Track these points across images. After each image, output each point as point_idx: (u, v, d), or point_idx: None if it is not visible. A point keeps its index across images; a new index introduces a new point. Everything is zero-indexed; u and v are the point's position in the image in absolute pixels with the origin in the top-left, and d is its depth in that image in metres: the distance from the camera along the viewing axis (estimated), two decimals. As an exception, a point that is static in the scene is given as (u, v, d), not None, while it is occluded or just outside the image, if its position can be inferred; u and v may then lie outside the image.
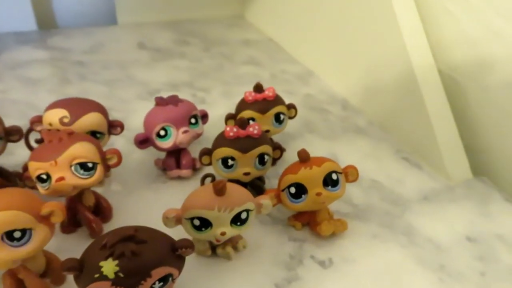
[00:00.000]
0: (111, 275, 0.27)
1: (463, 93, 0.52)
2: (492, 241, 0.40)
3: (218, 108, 0.59)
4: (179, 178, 0.46)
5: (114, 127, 0.43)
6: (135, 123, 0.54)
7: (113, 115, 0.57)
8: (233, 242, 0.37)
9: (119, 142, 0.52)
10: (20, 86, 0.64)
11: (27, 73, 0.68)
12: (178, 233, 0.34)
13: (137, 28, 0.88)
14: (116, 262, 0.27)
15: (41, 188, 0.35)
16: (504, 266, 0.38)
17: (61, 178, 0.34)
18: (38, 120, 0.41)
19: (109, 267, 0.27)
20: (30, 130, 0.43)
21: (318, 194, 0.36)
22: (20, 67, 0.69)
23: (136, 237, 0.28)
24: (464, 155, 0.49)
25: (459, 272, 0.37)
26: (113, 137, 0.49)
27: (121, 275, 0.27)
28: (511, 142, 0.48)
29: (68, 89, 0.64)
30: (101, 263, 0.27)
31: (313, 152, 0.39)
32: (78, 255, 0.29)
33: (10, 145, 0.41)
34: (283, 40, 0.82)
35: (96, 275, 0.27)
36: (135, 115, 0.57)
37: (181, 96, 0.47)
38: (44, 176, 0.34)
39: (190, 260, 0.35)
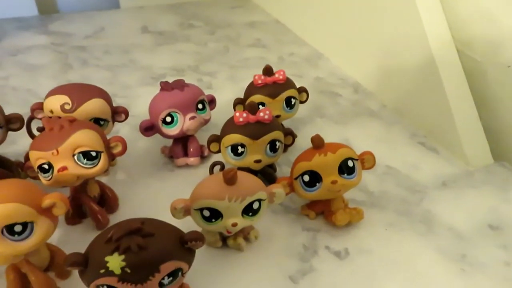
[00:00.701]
0: (117, 271, 0.25)
1: (482, 72, 0.49)
2: (516, 229, 0.38)
3: (225, 93, 0.57)
4: (187, 166, 0.45)
5: (118, 113, 0.41)
6: (139, 109, 0.52)
7: (116, 101, 0.55)
8: (245, 233, 0.36)
9: (124, 130, 0.50)
10: (21, 72, 0.62)
11: (28, 59, 0.66)
12: (187, 224, 0.32)
13: (140, 11, 0.85)
14: (123, 256, 0.25)
15: (43, 178, 0.33)
16: (529, 255, 0.36)
17: (64, 168, 0.32)
18: (39, 107, 0.39)
19: (115, 262, 0.25)
20: (31, 118, 0.41)
21: (334, 182, 0.34)
22: (21, 53, 0.68)
23: (142, 230, 0.26)
24: (484, 138, 0.47)
25: (481, 262, 0.35)
26: (117, 125, 0.47)
27: (128, 270, 0.25)
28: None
29: (69, 75, 0.62)
30: (107, 258, 0.25)
31: (325, 138, 0.37)
32: (83, 248, 0.27)
33: (12, 134, 0.39)
34: (290, 21, 0.79)
35: (102, 271, 0.25)
36: (139, 101, 0.56)
37: (187, 81, 0.45)
38: (46, 166, 0.33)
39: (200, 252, 0.33)
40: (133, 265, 0.25)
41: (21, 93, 0.57)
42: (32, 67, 0.64)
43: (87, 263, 0.26)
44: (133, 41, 0.73)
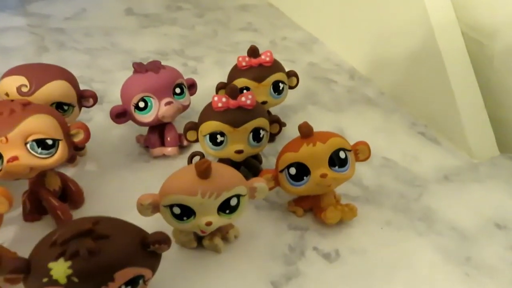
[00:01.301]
0: (63, 280, 0.21)
1: (489, 57, 0.45)
2: (525, 228, 0.35)
3: (211, 78, 0.53)
4: (164, 156, 0.41)
5: (86, 98, 0.37)
6: (116, 95, 0.47)
7: (93, 86, 0.51)
8: (223, 232, 0.32)
9: (98, 116, 0.46)
10: (-7, 55, 0.58)
11: (2, 41, 0.62)
12: (158, 223, 0.29)
13: (125, -8, 0.80)
14: (69, 263, 0.21)
15: (-7, 170, 0.29)
16: (540, 257, 0.32)
17: (14, 158, 0.28)
18: (-6, 90, 0.35)
19: (59, 269, 0.21)
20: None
21: (323, 175, 0.31)
22: (-6, 35, 0.63)
23: (95, 231, 0.22)
24: (490, 129, 0.43)
25: (488, 264, 0.32)
26: (91, 111, 0.43)
27: (75, 279, 0.21)
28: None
29: (45, 57, 0.58)
30: (50, 265, 0.22)
31: (318, 126, 0.33)
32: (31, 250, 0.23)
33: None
34: (284, 4, 0.75)
35: (45, 280, 0.22)
36: (117, 86, 0.50)
37: (171, 65, 0.41)
38: (-5, 156, 0.29)
39: (172, 253, 0.30)
40: (81, 274, 0.22)
41: (-10, 77, 0.52)
42: (6, 49, 0.60)
43: (29, 270, 0.22)
44: (116, 23, 0.69)
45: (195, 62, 0.59)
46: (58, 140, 0.30)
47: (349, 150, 0.32)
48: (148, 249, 0.24)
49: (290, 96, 0.45)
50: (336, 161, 0.31)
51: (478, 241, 0.34)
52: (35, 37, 0.63)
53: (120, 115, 0.38)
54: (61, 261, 0.21)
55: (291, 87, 0.43)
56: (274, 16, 0.74)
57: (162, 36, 0.66)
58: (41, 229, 0.33)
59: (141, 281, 0.24)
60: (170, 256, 0.28)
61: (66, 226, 0.22)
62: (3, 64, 0.55)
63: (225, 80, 0.42)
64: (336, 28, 0.62)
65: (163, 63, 0.41)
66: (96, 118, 0.46)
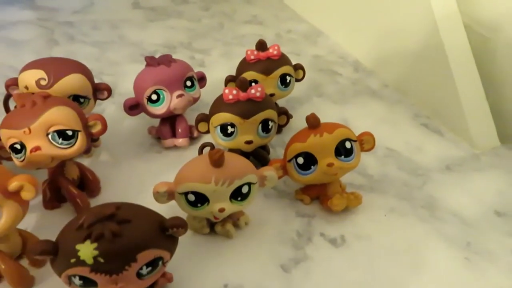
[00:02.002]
0: (90, 260, 0.23)
1: (491, 50, 0.46)
2: (524, 215, 0.36)
3: (218, 70, 0.54)
4: (175, 147, 0.42)
5: (100, 91, 0.38)
6: (127, 87, 0.49)
7: (103, 79, 0.53)
8: (234, 219, 0.33)
9: (109, 109, 0.47)
10: (4, 48, 0.59)
11: (12, 35, 0.63)
12: (172, 209, 0.30)
13: (131, -14, 0.81)
14: (95, 245, 0.23)
15: (16, 159, 0.31)
16: (537, 243, 0.34)
17: (37, 148, 0.30)
18: (13, 83, 0.37)
19: (86, 251, 0.23)
20: (9, 95, 0.39)
21: (330, 164, 0.32)
22: (5, 28, 0.64)
23: (117, 215, 0.24)
24: (491, 120, 0.44)
25: (488, 250, 0.33)
26: (103, 103, 0.45)
27: (101, 260, 0.23)
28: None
29: (54, 51, 0.59)
30: (78, 246, 0.23)
31: (323, 118, 0.34)
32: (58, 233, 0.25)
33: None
34: (289, -3, 0.76)
35: (73, 260, 0.23)
36: (126, 79, 0.52)
37: (179, 58, 0.42)
38: (18, 146, 0.30)
39: (186, 239, 0.31)
40: (106, 254, 0.23)
41: (3, 70, 0.54)
42: (16, 43, 0.61)
43: (57, 252, 0.24)
44: (123, 16, 0.70)
45: (202, 55, 0.60)
46: (78, 131, 0.31)
47: (355, 141, 0.34)
48: (167, 233, 0.25)
49: (296, 89, 0.46)
50: (342, 151, 0.33)
51: (478, 227, 0.35)
52: (45, 30, 0.64)
53: (133, 107, 0.39)
54: (87, 243, 0.23)
55: (297, 80, 0.44)
56: (278, 9, 0.75)
57: (169, 29, 0.67)
58: (60, 216, 0.35)
59: (160, 263, 0.25)
60: (184, 242, 0.30)
61: (90, 211, 0.24)
62: (15, 57, 0.57)
63: (231, 72, 0.44)
64: (340, 20, 0.63)
65: (166, 54, 0.42)
66: (108, 110, 0.47)
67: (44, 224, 0.34)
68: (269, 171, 0.31)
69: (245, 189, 0.30)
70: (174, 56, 0.42)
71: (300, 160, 0.33)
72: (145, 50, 0.60)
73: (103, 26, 0.66)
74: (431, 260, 0.32)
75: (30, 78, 0.35)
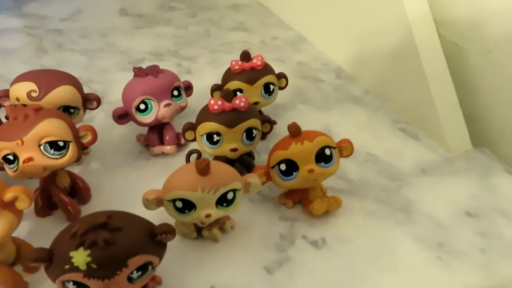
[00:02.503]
0: (83, 266, 0.24)
1: (464, 58, 0.49)
2: (494, 216, 0.38)
3: (205, 78, 0.56)
4: (163, 154, 0.44)
5: (90, 101, 0.40)
6: (116, 96, 0.50)
7: (92, 87, 0.54)
8: (220, 223, 0.35)
9: (99, 117, 0.48)
10: (-8, 57, 0.60)
11: (0, 43, 0.63)
12: (161, 215, 0.32)
13: (119, -8, 0.82)
14: (88, 252, 0.24)
15: (9, 170, 0.32)
16: (506, 241, 0.36)
17: (29, 159, 0.31)
18: (5, 94, 0.38)
19: (80, 257, 0.24)
20: (-1, 105, 0.40)
21: (310, 171, 0.34)
22: (-7, 36, 0.65)
23: (109, 224, 0.25)
24: (464, 125, 0.47)
25: (458, 249, 0.35)
26: (92, 112, 0.46)
27: (94, 266, 0.24)
28: (514, 111, 0.46)
29: (44, 59, 0.60)
30: (71, 254, 0.24)
31: (306, 124, 0.36)
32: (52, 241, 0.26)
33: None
34: (274, 4, 0.77)
35: (67, 266, 0.24)
36: (116, 87, 0.53)
37: (166, 66, 0.44)
38: (11, 157, 0.31)
39: (174, 243, 0.33)
40: (99, 261, 0.24)
41: (-8, 79, 0.55)
42: (4, 51, 0.61)
43: (51, 259, 0.25)
44: (111, 24, 0.71)
45: (189, 62, 0.61)
46: (69, 141, 0.32)
47: (334, 147, 0.35)
48: (156, 239, 0.27)
49: (281, 96, 0.47)
50: (322, 157, 0.34)
51: (450, 228, 0.37)
52: (33, 38, 0.65)
53: (122, 117, 0.41)
54: (81, 250, 0.24)
55: (281, 88, 0.45)
56: (264, 15, 0.76)
57: (156, 36, 0.68)
58: (52, 223, 0.36)
59: (150, 267, 0.27)
60: (173, 246, 0.31)
61: (83, 220, 0.25)
62: (4, 65, 0.58)
63: (218, 79, 0.45)
64: (324, 28, 0.65)
65: (158, 63, 0.43)
66: (97, 118, 0.48)
67: (37, 231, 0.35)
68: (253, 178, 0.33)
69: (230, 196, 0.32)
70: (161, 64, 0.44)
71: (283, 166, 0.35)
72: (133, 58, 0.61)
73: (91, 33, 0.67)
74: (406, 259, 0.34)
75: (21, 90, 0.36)
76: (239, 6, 0.79)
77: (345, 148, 0.36)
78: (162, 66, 0.43)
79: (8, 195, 0.27)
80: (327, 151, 0.35)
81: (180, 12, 0.76)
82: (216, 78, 0.46)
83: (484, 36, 0.47)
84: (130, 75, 0.42)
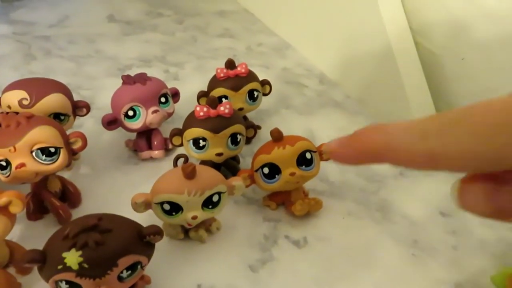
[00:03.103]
0: (75, 266, 0.26)
1: (439, 65, 0.51)
2: (465, 215, 0.41)
3: (192, 84, 0.57)
4: (151, 159, 0.45)
5: (79, 108, 0.41)
6: (104, 101, 0.51)
7: (81, 94, 0.55)
8: (206, 225, 0.36)
9: (88, 123, 0.50)
10: (-19, 64, 0.60)
11: (-12, 50, 0.64)
12: (150, 218, 0.33)
13: (106, -1, 0.83)
14: (80, 252, 0.26)
15: (2, 175, 0.33)
16: (476, 239, 0.38)
17: (22, 165, 0.32)
18: (-4, 102, 0.39)
19: (72, 258, 0.26)
20: (-10, 112, 0.41)
21: (292, 174, 0.36)
22: (-19, 43, 0.66)
23: (99, 226, 0.26)
24: (440, 129, 0.49)
25: (431, 246, 0.37)
26: (81, 118, 0.47)
27: (86, 266, 0.26)
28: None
29: (32, 66, 0.61)
30: (64, 254, 0.26)
31: (289, 129, 0.38)
32: (45, 243, 0.27)
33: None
34: (259, 10, 0.79)
35: (60, 267, 0.26)
36: (104, 93, 0.54)
37: (153, 72, 0.45)
38: (4, 163, 0.33)
39: (163, 244, 0.34)
40: (90, 261, 0.26)
41: (-19, 85, 0.55)
42: (-7, 57, 0.62)
43: (45, 260, 0.27)
44: (99, 30, 0.72)
45: (176, 69, 0.63)
46: (60, 148, 0.34)
47: (314, 151, 0.37)
48: (144, 240, 0.28)
49: (265, 101, 0.49)
50: (303, 161, 0.36)
51: (424, 227, 0.39)
52: (21, 45, 0.66)
53: (111, 123, 0.42)
54: (73, 251, 0.26)
55: (265, 94, 0.47)
56: (249, 22, 0.78)
57: (144, 43, 0.69)
58: (43, 227, 0.37)
59: (139, 267, 0.28)
60: (161, 247, 0.33)
61: (75, 223, 0.27)
62: (-6, 73, 0.59)
63: (204, 85, 0.47)
64: (307, 34, 0.67)
65: (145, 69, 0.45)
66: (86, 124, 0.50)
67: (29, 234, 0.36)
68: (237, 181, 0.35)
69: (215, 198, 0.33)
70: (149, 70, 0.45)
71: (266, 170, 0.36)
72: (121, 64, 0.62)
73: (79, 40, 0.68)
74: (383, 257, 0.36)
75: (13, 98, 0.37)
76: (225, 12, 0.81)
77: (325, 152, 0.38)
78: (149, 72, 0.45)
79: (2, 200, 0.28)
80: (308, 155, 0.37)
81: (167, 18, 0.78)
82: (203, 84, 0.48)
83: (458, 43, 0.49)
84: (118, 81, 0.44)
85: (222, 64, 0.45)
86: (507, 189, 0.18)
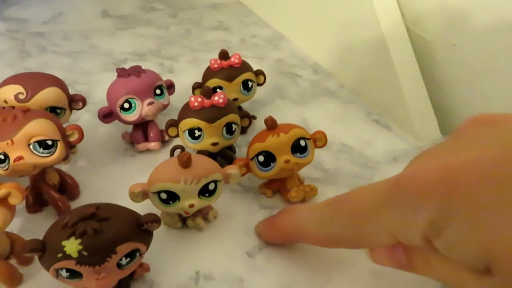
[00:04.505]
0: (75, 254, 0.26)
1: (431, 52, 0.52)
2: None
3: (187, 76, 0.57)
4: (148, 151, 0.45)
5: (76, 101, 0.41)
6: (100, 96, 0.52)
7: (77, 89, 0.55)
8: (203, 213, 0.37)
9: (84, 116, 0.50)
10: (-24, 61, 0.61)
11: (-17, 47, 0.64)
12: (148, 208, 0.34)
13: (100, -6, 0.83)
14: (79, 240, 0.26)
15: (0, 169, 0.34)
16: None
17: (20, 158, 0.33)
18: (-8, 97, 0.39)
19: (72, 246, 0.26)
20: (-14, 108, 0.41)
21: (287, 161, 0.36)
22: (-25, 41, 0.66)
23: (97, 214, 0.27)
24: (433, 115, 0.50)
25: (425, 229, 0.38)
26: (77, 111, 0.47)
27: (85, 253, 0.26)
28: (478, 101, 0.49)
29: (28, 62, 0.61)
30: (64, 243, 0.26)
31: (284, 118, 0.38)
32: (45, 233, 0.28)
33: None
34: (252, 2, 0.80)
35: (60, 255, 0.26)
36: (100, 87, 0.55)
37: (148, 65, 0.45)
38: (2, 156, 0.33)
39: (161, 232, 0.35)
40: (89, 248, 0.26)
41: (-23, 83, 0.55)
42: (-12, 55, 0.62)
43: (45, 249, 0.27)
44: (93, 25, 0.72)
45: (171, 62, 0.63)
46: (57, 140, 0.34)
47: (308, 139, 0.38)
48: (142, 228, 0.29)
49: (260, 92, 0.50)
50: (297, 148, 0.37)
51: (418, 210, 0.40)
52: (16, 42, 0.66)
53: (107, 116, 0.42)
54: (72, 239, 0.26)
55: (259, 84, 0.48)
56: (243, 14, 0.78)
57: (138, 37, 0.69)
58: (42, 219, 0.38)
59: (138, 254, 0.29)
60: (160, 236, 0.34)
61: (73, 212, 0.27)
62: (-11, 69, 0.59)
63: (199, 78, 0.47)
64: (301, 25, 0.68)
65: (140, 63, 0.45)
66: (83, 118, 0.50)
67: (29, 226, 0.37)
68: (232, 170, 0.35)
69: (211, 186, 0.34)
70: (144, 64, 0.45)
71: (261, 158, 0.37)
72: (116, 59, 0.63)
73: (73, 36, 0.68)
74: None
75: (9, 93, 0.38)
76: (218, 5, 0.81)
77: (319, 139, 0.39)
78: (144, 66, 0.45)
79: (1, 191, 0.28)
80: (302, 142, 0.37)
81: (161, 12, 0.78)
82: (198, 76, 0.48)
83: (449, 30, 0.49)
84: (113, 75, 0.44)
85: (216, 57, 0.45)
86: (398, 251, 0.26)
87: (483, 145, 0.20)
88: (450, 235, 0.20)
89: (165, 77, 0.46)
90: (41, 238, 0.28)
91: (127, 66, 0.44)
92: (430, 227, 0.20)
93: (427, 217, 0.20)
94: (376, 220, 0.24)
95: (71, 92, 0.42)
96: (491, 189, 0.18)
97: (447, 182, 0.20)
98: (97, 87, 0.56)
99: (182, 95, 0.48)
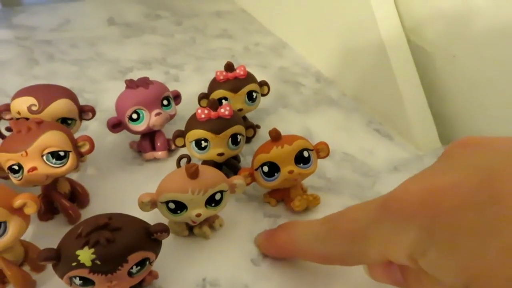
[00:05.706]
0: (88, 263, 0.27)
1: (432, 62, 0.53)
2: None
3: (192, 85, 0.59)
4: (155, 159, 0.47)
5: (85, 112, 0.43)
6: (107, 104, 0.53)
7: (84, 97, 0.57)
8: (210, 222, 0.38)
9: (93, 125, 0.51)
10: (-15, 69, 0.62)
11: (-8, 55, 0.66)
12: (156, 216, 0.35)
13: (106, 2, 0.85)
14: (92, 250, 0.27)
15: (14, 178, 0.35)
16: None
17: (33, 168, 0.34)
18: (6, 108, 0.40)
19: (85, 255, 0.27)
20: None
21: (290, 172, 0.37)
22: (-16, 48, 0.67)
23: (110, 224, 0.28)
24: (433, 124, 0.51)
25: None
26: (87, 121, 0.48)
27: (98, 262, 0.28)
28: (478, 111, 0.50)
29: (36, 70, 0.62)
30: (78, 252, 0.27)
31: (287, 127, 0.39)
32: (56, 242, 0.29)
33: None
34: (256, 10, 0.81)
35: (74, 264, 0.28)
36: (107, 95, 0.57)
37: (154, 74, 0.47)
38: (16, 167, 0.34)
39: (168, 241, 0.36)
40: (102, 257, 0.28)
41: (-13, 91, 0.57)
42: (-3, 63, 0.64)
43: (59, 258, 0.28)
44: (99, 33, 0.73)
45: (176, 70, 0.64)
46: (69, 151, 0.35)
47: (311, 150, 0.39)
48: (152, 237, 0.30)
49: (264, 101, 0.51)
50: (301, 159, 0.38)
51: (418, 219, 0.41)
52: (24, 49, 0.67)
53: (115, 126, 0.44)
54: (86, 248, 0.27)
55: (263, 95, 0.49)
56: (247, 22, 0.80)
57: (144, 45, 0.71)
58: (54, 226, 0.39)
59: (147, 262, 0.30)
60: (167, 244, 0.35)
61: (87, 222, 0.28)
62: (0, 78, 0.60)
63: (204, 86, 0.48)
64: (304, 33, 0.69)
65: (146, 72, 0.47)
66: (91, 126, 0.51)
67: (41, 234, 0.38)
68: (238, 180, 0.36)
69: (218, 196, 0.35)
70: (150, 72, 0.47)
71: (265, 168, 0.38)
72: (122, 67, 0.64)
73: (80, 43, 0.70)
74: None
75: (22, 105, 0.39)
76: (222, 13, 0.83)
77: (322, 150, 0.40)
78: (150, 74, 0.46)
79: (18, 202, 0.30)
80: (305, 153, 0.38)
81: (165, 20, 0.79)
82: (202, 84, 0.49)
83: (449, 41, 0.51)
84: (120, 84, 0.45)
85: (220, 65, 0.46)
86: (394, 268, 0.27)
87: (466, 168, 0.20)
88: (432, 257, 0.20)
89: (171, 86, 0.48)
90: (53, 245, 0.29)
91: (133, 74, 0.45)
92: (414, 248, 0.21)
93: (411, 238, 0.21)
94: (365, 239, 0.24)
95: (80, 101, 0.44)
96: (470, 213, 0.19)
97: (430, 205, 0.20)
98: (104, 95, 0.57)
99: (188, 104, 0.49)
